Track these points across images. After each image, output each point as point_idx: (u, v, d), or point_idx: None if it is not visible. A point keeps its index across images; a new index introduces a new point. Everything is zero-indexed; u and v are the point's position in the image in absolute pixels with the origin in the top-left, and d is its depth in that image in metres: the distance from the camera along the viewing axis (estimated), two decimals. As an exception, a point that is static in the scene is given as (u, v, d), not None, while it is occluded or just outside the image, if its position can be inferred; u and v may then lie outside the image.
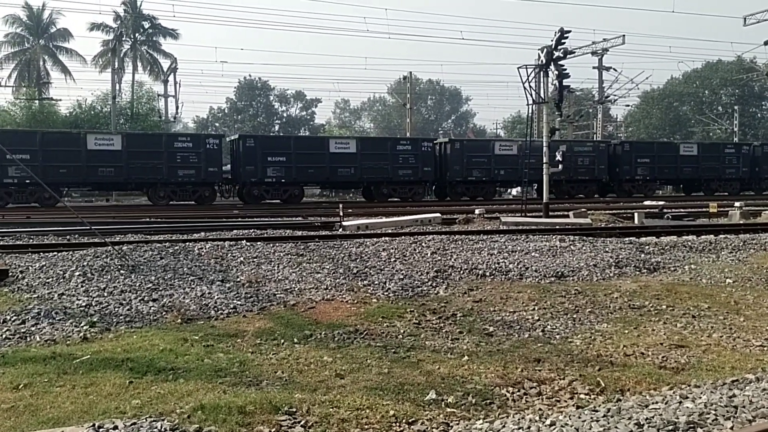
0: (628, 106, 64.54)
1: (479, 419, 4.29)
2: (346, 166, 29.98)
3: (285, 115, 79.26)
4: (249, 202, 28.61)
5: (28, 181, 25.21)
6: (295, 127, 76.05)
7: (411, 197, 31.15)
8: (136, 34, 52.10)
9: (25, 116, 39.12)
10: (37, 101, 41.67)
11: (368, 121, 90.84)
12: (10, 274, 8.89)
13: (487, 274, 9.31)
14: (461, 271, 9.40)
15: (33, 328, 6.49)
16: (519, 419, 4.22)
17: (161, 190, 27.80)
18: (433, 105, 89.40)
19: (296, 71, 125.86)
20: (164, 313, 7.21)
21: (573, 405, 4.65)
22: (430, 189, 34.04)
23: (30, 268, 9.26)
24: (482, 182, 32.51)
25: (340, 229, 15.40)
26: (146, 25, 52.68)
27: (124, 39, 49.79)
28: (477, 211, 18.76)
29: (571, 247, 11.24)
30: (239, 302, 7.67)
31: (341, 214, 17.02)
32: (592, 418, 4.10)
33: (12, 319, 6.74)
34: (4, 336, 6.22)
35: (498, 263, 9.85)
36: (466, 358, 5.72)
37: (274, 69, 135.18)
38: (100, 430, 3.61)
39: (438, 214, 17.63)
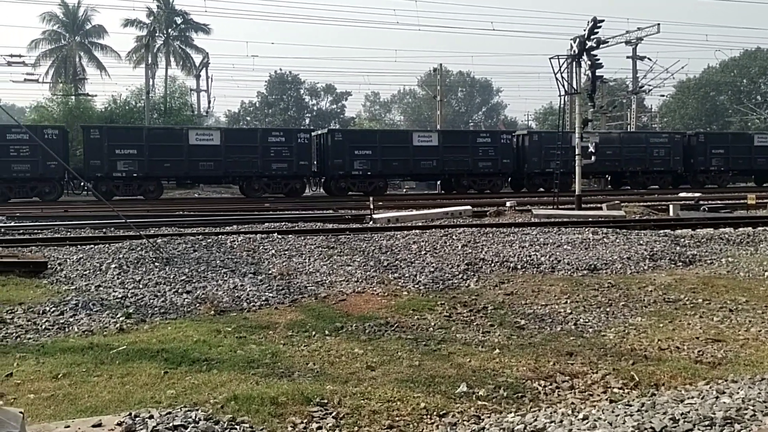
0: (663, 96, 63.36)
1: (511, 412, 4.27)
2: (429, 158, 30.58)
3: (315, 108, 79.58)
4: (336, 194, 29.07)
5: (135, 175, 26.71)
6: (325, 120, 76.29)
7: (490, 189, 31.44)
8: (169, 30, 52.71)
9: (62, 112, 39.85)
10: (73, 97, 42.46)
11: (398, 113, 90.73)
12: (49, 266, 9.11)
13: (519, 266, 9.25)
14: (492, 264, 9.35)
15: (71, 319, 6.64)
16: (551, 413, 4.18)
17: (256, 183, 28.60)
18: (464, 97, 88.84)
19: (326, 64, 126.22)
20: (198, 304, 7.32)
21: (606, 399, 4.60)
22: (507, 181, 34.05)
23: (68, 260, 9.47)
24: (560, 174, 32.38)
25: (371, 222, 15.43)
26: (178, 20, 53.27)
27: (157, 35, 50.40)
28: (508, 204, 18.62)
29: (605, 239, 11.09)
30: (271, 294, 7.74)
31: (371, 207, 17.04)
32: (626, 412, 4.04)
33: (51, 311, 6.91)
34: (43, 327, 6.38)
35: (529, 256, 9.77)
36: (497, 351, 5.69)
37: (304, 62, 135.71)
38: (137, 419, 3.67)
39: (468, 207, 17.55)
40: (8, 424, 3.16)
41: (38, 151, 25.55)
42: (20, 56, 35.23)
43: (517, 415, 4.16)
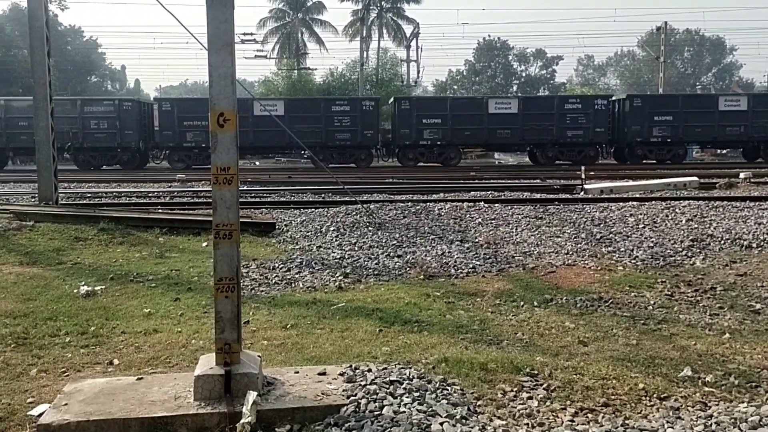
0: None
1: (743, 402, 3.86)
2: (736, 124, 28.52)
3: (524, 75, 77.62)
4: (632, 162, 28.55)
5: (438, 143, 28.69)
6: (533, 87, 74.15)
7: None
8: (382, 2, 54.47)
9: (285, 85, 43.19)
10: (295, 71, 45.80)
11: (614, 77, 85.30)
12: (276, 227, 10.01)
13: (754, 245, 8.30)
14: (722, 241, 8.51)
15: (297, 276, 7.25)
16: (793, 408, 3.71)
17: (549, 151, 29.13)
18: (691, 57, 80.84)
19: (538, 28, 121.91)
20: (408, 269, 7.58)
21: None
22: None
23: (292, 222, 10.34)
24: None
25: (582, 193, 14.82)
26: (391, -8, 54.81)
27: (371, 8, 52.35)
28: (742, 175, 16.76)
29: None
30: (478, 262, 7.77)
31: (583, 176, 16.32)
32: None
33: (279, 267, 7.60)
34: (273, 281, 7.04)
35: None
36: (726, 335, 5.18)
37: (514, 27, 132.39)
38: (356, 371, 3.91)
39: (695, 178, 16.07)
40: (249, 366, 3.54)
41: (357, 121, 28.23)
42: (252, 35, 38.73)
43: (751, 406, 3.75)
